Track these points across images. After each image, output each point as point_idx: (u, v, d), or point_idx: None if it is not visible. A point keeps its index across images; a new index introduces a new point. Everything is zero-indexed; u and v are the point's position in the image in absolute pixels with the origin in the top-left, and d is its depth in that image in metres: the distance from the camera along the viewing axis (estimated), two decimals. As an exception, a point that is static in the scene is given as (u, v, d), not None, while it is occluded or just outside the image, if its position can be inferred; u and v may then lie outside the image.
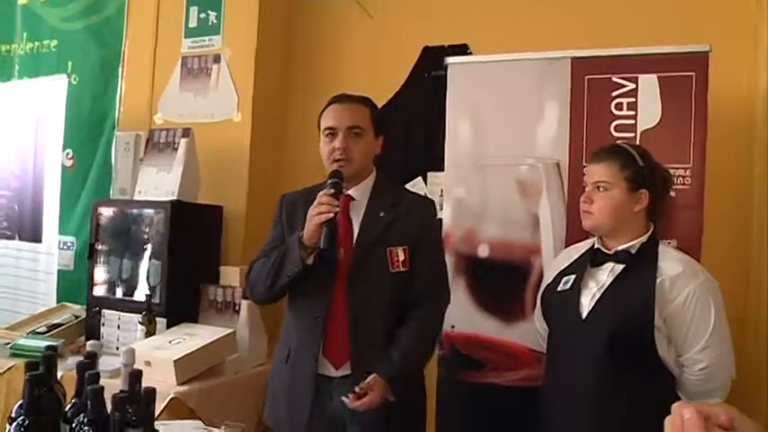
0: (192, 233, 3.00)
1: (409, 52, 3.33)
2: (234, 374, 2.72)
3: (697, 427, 0.66)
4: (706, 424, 0.66)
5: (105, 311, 3.02)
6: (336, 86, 2.72)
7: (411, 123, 3.29)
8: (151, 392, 1.33)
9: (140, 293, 2.98)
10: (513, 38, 3.03)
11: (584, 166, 2.39)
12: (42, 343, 2.63)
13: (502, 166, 2.58)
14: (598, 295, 1.86)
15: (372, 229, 1.99)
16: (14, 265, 4.00)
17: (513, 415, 2.36)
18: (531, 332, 2.31)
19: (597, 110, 2.46)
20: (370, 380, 1.85)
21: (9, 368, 2.71)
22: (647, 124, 2.40)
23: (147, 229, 3.05)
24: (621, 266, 1.87)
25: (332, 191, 1.87)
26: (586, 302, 1.87)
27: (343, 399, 1.83)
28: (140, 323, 2.77)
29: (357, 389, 1.82)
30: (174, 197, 2.98)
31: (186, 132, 3.12)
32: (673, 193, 2.06)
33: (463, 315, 2.53)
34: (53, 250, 3.82)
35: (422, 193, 3.06)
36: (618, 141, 2.25)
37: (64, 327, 3.12)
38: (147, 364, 2.43)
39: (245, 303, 2.86)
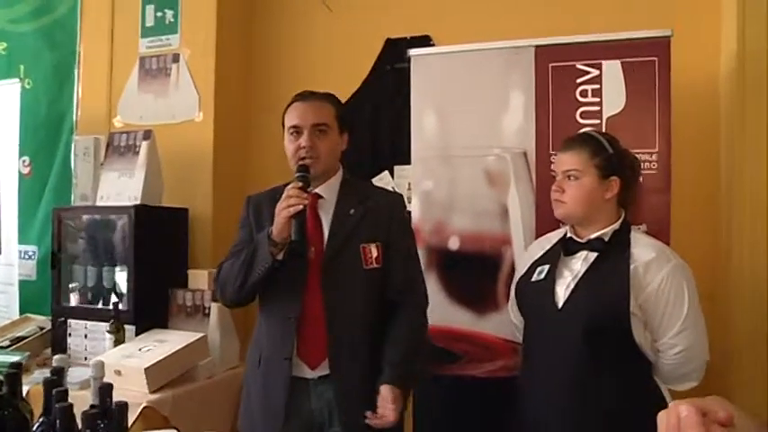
0: (157, 237, 2.93)
1: (371, 45, 3.31)
2: (207, 379, 2.68)
3: (695, 423, 0.64)
4: (704, 420, 0.64)
5: (71, 321, 2.93)
6: (299, 82, 2.71)
7: (376, 117, 3.27)
8: (123, 407, 1.29)
9: (107, 301, 2.91)
10: (476, 28, 3.04)
11: (552, 155, 2.40)
12: (7, 358, 2.55)
13: (469, 157, 2.57)
14: (573, 284, 1.86)
15: (343, 227, 1.96)
16: (-27, 277, 3.86)
17: (491, 406, 2.37)
18: (505, 323, 2.30)
19: (562, 97, 2.47)
20: (382, 392, 1.83)
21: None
22: (612, 110, 2.41)
23: (111, 235, 2.98)
24: (595, 255, 1.87)
25: (300, 184, 1.85)
26: (561, 292, 1.87)
27: (368, 421, 1.81)
28: (108, 332, 2.70)
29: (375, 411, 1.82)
30: (138, 201, 2.90)
31: (147, 134, 3.04)
32: (641, 178, 2.07)
33: (436, 308, 2.50)
34: (13, 260, 3.70)
35: (389, 188, 3.05)
36: (585, 129, 2.26)
37: (28, 339, 3.02)
38: (118, 373, 2.38)
39: (214, 306, 2.81)
